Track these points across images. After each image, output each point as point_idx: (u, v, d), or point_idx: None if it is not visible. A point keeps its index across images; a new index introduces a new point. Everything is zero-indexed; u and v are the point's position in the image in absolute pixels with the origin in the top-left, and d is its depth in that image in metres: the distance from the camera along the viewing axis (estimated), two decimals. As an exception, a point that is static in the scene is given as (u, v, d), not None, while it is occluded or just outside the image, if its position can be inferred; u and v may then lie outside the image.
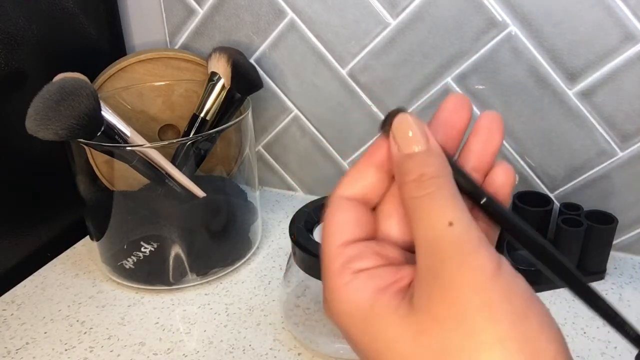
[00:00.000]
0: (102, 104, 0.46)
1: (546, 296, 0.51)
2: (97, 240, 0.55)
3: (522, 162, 0.58)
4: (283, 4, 0.59)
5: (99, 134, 0.46)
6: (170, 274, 0.53)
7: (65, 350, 0.46)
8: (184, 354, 0.45)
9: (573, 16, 0.49)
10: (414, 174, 0.21)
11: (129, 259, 0.52)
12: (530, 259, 0.22)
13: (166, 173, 0.50)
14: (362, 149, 0.64)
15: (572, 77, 0.52)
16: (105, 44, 0.65)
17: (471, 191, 0.22)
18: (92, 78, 0.57)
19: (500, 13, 0.52)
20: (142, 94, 0.58)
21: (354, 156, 0.65)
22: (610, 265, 0.55)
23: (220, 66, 0.55)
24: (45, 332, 0.48)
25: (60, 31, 0.58)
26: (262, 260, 0.58)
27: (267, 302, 0.51)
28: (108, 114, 0.47)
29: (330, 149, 0.66)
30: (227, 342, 0.46)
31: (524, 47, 0.52)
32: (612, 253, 0.55)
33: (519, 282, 0.19)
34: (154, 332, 0.48)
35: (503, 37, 0.52)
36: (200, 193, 0.52)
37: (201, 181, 0.53)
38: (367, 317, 0.20)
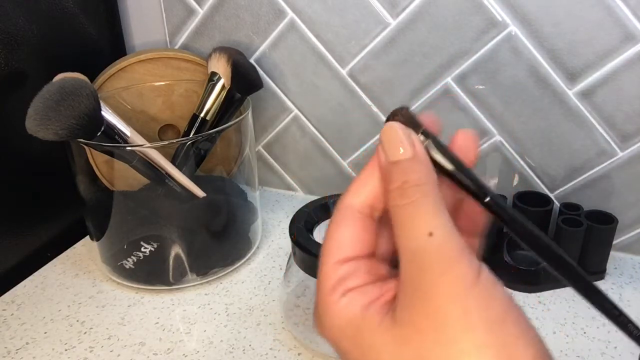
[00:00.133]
0: (102, 104, 0.46)
1: (546, 296, 0.51)
2: (97, 240, 0.55)
3: (522, 162, 0.58)
4: (283, 4, 0.59)
5: (99, 134, 0.46)
6: (170, 274, 0.53)
7: (65, 350, 0.46)
8: (184, 354, 0.45)
9: (573, 16, 0.49)
10: (397, 181, 0.21)
11: (129, 259, 0.52)
12: (534, 257, 0.22)
13: (166, 173, 0.50)
14: (362, 149, 0.64)
15: (572, 77, 0.52)
16: (105, 44, 0.65)
17: (474, 190, 0.22)
18: (92, 78, 0.57)
19: (500, 13, 0.52)
20: (142, 94, 0.58)
21: (354, 156, 0.65)
22: (610, 265, 0.55)
23: (220, 66, 0.55)
24: (45, 332, 0.48)
25: (60, 31, 0.58)
26: (262, 260, 0.58)
27: (267, 302, 0.51)
28: (108, 114, 0.47)
29: (330, 149, 0.66)
30: (227, 342, 0.46)
31: (524, 47, 0.52)
32: (612, 253, 0.55)
33: (498, 289, 0.20)
34: (154, 332, 0.48)
35: (503, 37, 0.52)
36: (200, 193, 0.52)
37: (201, 181, 0.53)
38: (357, 332, 0.21)
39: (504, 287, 0.20)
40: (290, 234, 0.42)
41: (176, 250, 0.52)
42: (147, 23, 0.67)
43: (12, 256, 0.55)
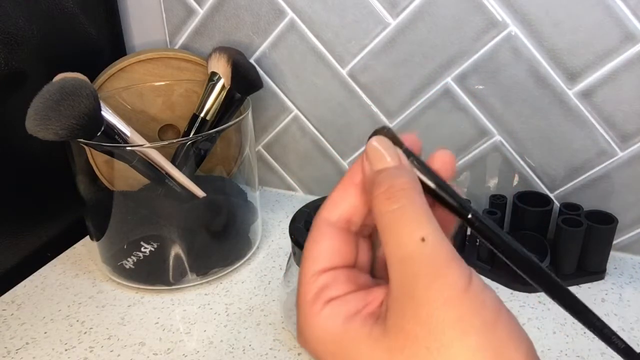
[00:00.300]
0: (102, 104, 0.46)
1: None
2: (97, 240, 0.55)
3: (522, 162, 0.58)
4: (283, 4, 0.59)
5: (99, 134, 0.46)
6: (170, 274, 0.53)
7: (65, 350, 0.46)
8: (184, 354, 0.45)
9: (573, 16, 0.49)
10: (384, 185, 0.21)
11: (129, 259, 0.52)
12: (517, 271, 0.22)
13: (166, 173, 0.50)
14: (362, 149, 0.64)
15: (572, 77, 0.52)
16: (105, 44, 0.65)
17: (456, 207, 0.22)
18: (92, 78, 0.57)
19: (500, 13, 0.52)
20: (142, 94, 0.58)
21: (354, 156, 0.65)
22: (610, 265, 0.55)
23: (220, 66, 0.55)
24: (45, 332, 0.48)
25: (60, 31, 0.58)
26: (262, 260, 0.58)
27: (267, 302, 0.51)
28: (108, 114, 0.47)
29: (330, 149, 0.66)
30: (227, 342, 0.46)
31: (524, 47, 0.52)
32: (612, 253, 0.55)
33: (488, 293, 0.20)
34: (154, 332, 0.48)
35: (503, 37, 0.52)
36: (200, 193, 0.52)
37: (201, 181, 0.53)
38: (340, 344, 0.21)
39: (493, 291, 0.20)
40: (290, 234, 0.42)
41: (176, 250, 0.52)
42: (147, 23, 0.67)
43: (12, 256, 0.55)
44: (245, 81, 0.56)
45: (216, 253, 0.55)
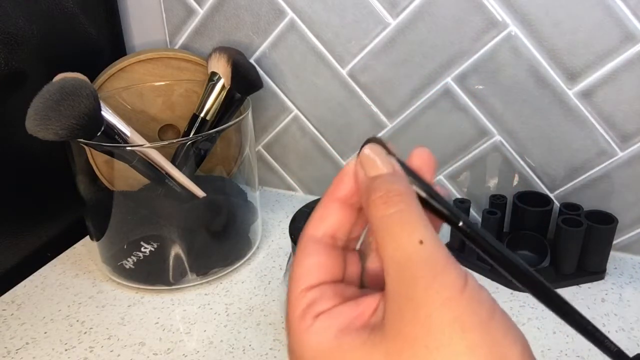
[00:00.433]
0: (102, 104, 0.46)
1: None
2: (97, 240, 0.55)
3: (522, 162, 0.58)
4: (283, 4, 0.59)
5: (99, 134, 0.46)
6: (170, 274, 0.53)
7: (65, 350, 0.46)
8: (184, 354, 0.45)
9: (573, 16, 0.49)
10: (380, 191, 0.22)
11: (129, 259, 0.52)
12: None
13: (166, 173, 0.50)
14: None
15: (572, 77, 0.52)
16: (105, 44, 0.65)
17: (448, 215, 0.23)
18: (92, 78, 0.57)
19: (500, 13, 0.52)
20: (142, 94, 0.58)
21: (353, 156, 0.65)
22: (610, 265, 0.55)
23: (220, 66, 0.55)
24: (45, 332, 0.48)
25: (60, 31, 0.58)
26: (262, 260, 0.58)
27: (267, 302, 0.51)
28: (108, 114, 0.47)
29: (330, 149, 0.66)
30: (227, 342, 0.46)
31: (524, 47, 0.52)
32: (612, 253, 0.55)
33: (483, 294, 0.20)
34: (154, 332, 0.48)
35: (503, 37, 0.52)
36: (200, 193, 0.52)
37: (201, 181, 0.53)
38: (335, 358, 0.21)
39: (487, 291, 0.21)
40: (290, 234, 0.42)
41: (176, 250, 0.52)
42: (147, 23, 0.67)
43: (12, 256, 0.55)
44: (245, 81, 0.56)
45: (216, 253, 0.55)
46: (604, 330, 0.47)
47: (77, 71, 0.50)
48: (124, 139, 0.48)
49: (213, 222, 0.55)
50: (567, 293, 0.52)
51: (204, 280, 0.54)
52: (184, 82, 0.59)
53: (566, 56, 0.51)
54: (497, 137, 0.57)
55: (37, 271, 0.57)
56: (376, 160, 0.23)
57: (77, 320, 0.49)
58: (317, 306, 0.22)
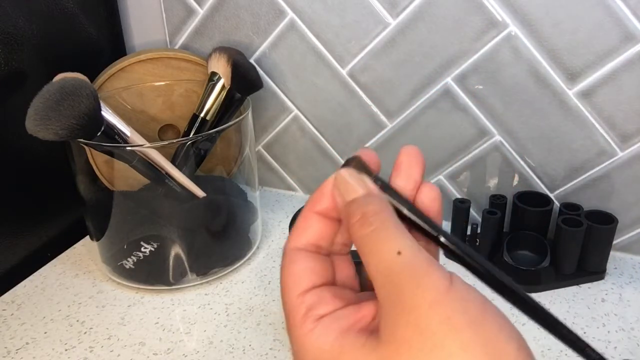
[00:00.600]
0: (102, 104, 0.46)
1: (547, 296, 0.51)
2: (97, 240, 0.55)
3: (522, 162, 0.58)
4: (283, 4, 0.59)
5: (99, 134, 0.46)
6: (170, 274, 0.53)
7: (65, 350, 0.46)
8: (184, 354, 0.45)
9: (573, 16, 0.49)
10: (357, 214, 0.23)
11: (129, 259, 0.52)
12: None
13: (166, 173, 0.50)
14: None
15: (572, 77, 0.52)
16: (105, 44, 0.65)
17: (428, 230, 0.24)
18: (92, 78, 0.57)
19: (500, 13, 0.52)
20: (142, 94, 0.58)
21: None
22: (610, 265, 0.55)
23: (220, 66, 0.55)
24: (45, 332, 0.48)
25: (60, 31, 0.58)
26: (262, 260, 0.58)
27: (267, 302, 0.51)
28: (108, 114, 0.47)
29: (330, 149, 0.66)
30: (227, 342, 0.46)
31: (524, 47, 0.52)
32: (612, 253, 0.55)
33: (472, 292, 0.21)
34: (154, 332, 0.48)
35: (503, 37, 0.52)
36: (200, 193, 0.52)
37: (201, 181, 0.53)
38: (336, 358, 0.21)
39: (476, 290, 0.21)
40: (290, 234, 0.42)
41: (176, 250, 0.52)
42: (147, 23, 0.67)
43: (12, 256, 0.55)
44: (245, 81, 0.56)
45: (216, 253, 0.55)
46: (604, 330, 0.47)
47: (77, 71, 0.50)
48: (124, 139, 0.48)
49: (213, 222, 0.55)
50: (567, 293, 0.52)
51: (204, 280, 0.54)
52: (184, 82, 0.59)
53: (566, 56, 0.51)
54: (497, 137, 0.57)
55: (37, 271, 0.57)
56: (351, 184, 0.24)
57: (77, 320, 0.49)
58: (317, 309, 0.23)
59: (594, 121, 0.53)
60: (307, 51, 0.61)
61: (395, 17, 0.56)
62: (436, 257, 0.26)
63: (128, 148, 0.48)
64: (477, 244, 0.57)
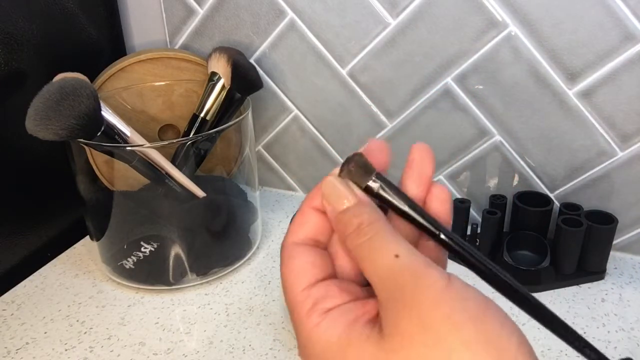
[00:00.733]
0: (102, 104, 0.46)
1: (547, 296, 0.51)
2: (97, 240, 0.55)
3: (522, 162, 0.58)
4: (283, 4, 0.59)
5: (99, 134, 0.46)
6: (170, 274, 0.53)
7: (65, 350, 0.46)
8: (184, 354, 0.45)
9: (573, 16, 0.49)
10: (352, 225, 0.23)
11: (129, 259, 0.52)
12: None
13: (166, 173, 0.50)
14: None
15: (572, 77, 0.52)
16: (105, 44, 0.65)
17: (428, 227, 0.24)
18: (92, 78, 0.57)
19: (500, 13, 0.52)
20: (142, 94, 0.58)
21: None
22: (610, 265, 0.55)
23: (220, 66, 0.55)
24: (45, 332, 0.48)
25: (60, 31, 0.58)
26: (262, 260, 0.58)
27: (267, 302, 0.51)
28: (108, 114, 0.47)
29: (330, 149, 0.66)
30: (227, 342, 0.46)
31: (524, 47, 0.52)
32: (612, 253, 0.55)
33: (471, 291, 0.21)
34: (154, 332, 0.48)
35: (503, 37, 0.52)
36: (200, 193, 0.52)
37: (201, 181, 0.53)
38: (344, 350, 0.21)
39: (475, 288, 0.21)
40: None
41: (176, 250, 0.52)
42: (147, 23, 0.67)
43: (12, 256, 0.55)
44: (245, 81, 0.56)
45: (216, 253, 0.55)
46: (604, 330, 0.47)
47: (77, 71, 0.50)
48: (124, 139, 0.48)
49: (213, 222, 0.55)
50: (567, 293, 0.52)
51: (204, 280, 0.54)
52: (184, 82, 0.59)
53: (566, 56, 0.51)
54: (497, 137, 0.57)
55: (37, 271, 0.57)
56: (339, 194, 0.24)
57: (77, 320, 0.49)
58: (324, 303, 0.23)
59: (594, 121, 0.53)
60: (307, 51, 0.61)
61: (395, 17, 0.56)
62: (443, 259, 0.26)
63: (128, 148, 0.48)
64: (477, 244, 0.57)
